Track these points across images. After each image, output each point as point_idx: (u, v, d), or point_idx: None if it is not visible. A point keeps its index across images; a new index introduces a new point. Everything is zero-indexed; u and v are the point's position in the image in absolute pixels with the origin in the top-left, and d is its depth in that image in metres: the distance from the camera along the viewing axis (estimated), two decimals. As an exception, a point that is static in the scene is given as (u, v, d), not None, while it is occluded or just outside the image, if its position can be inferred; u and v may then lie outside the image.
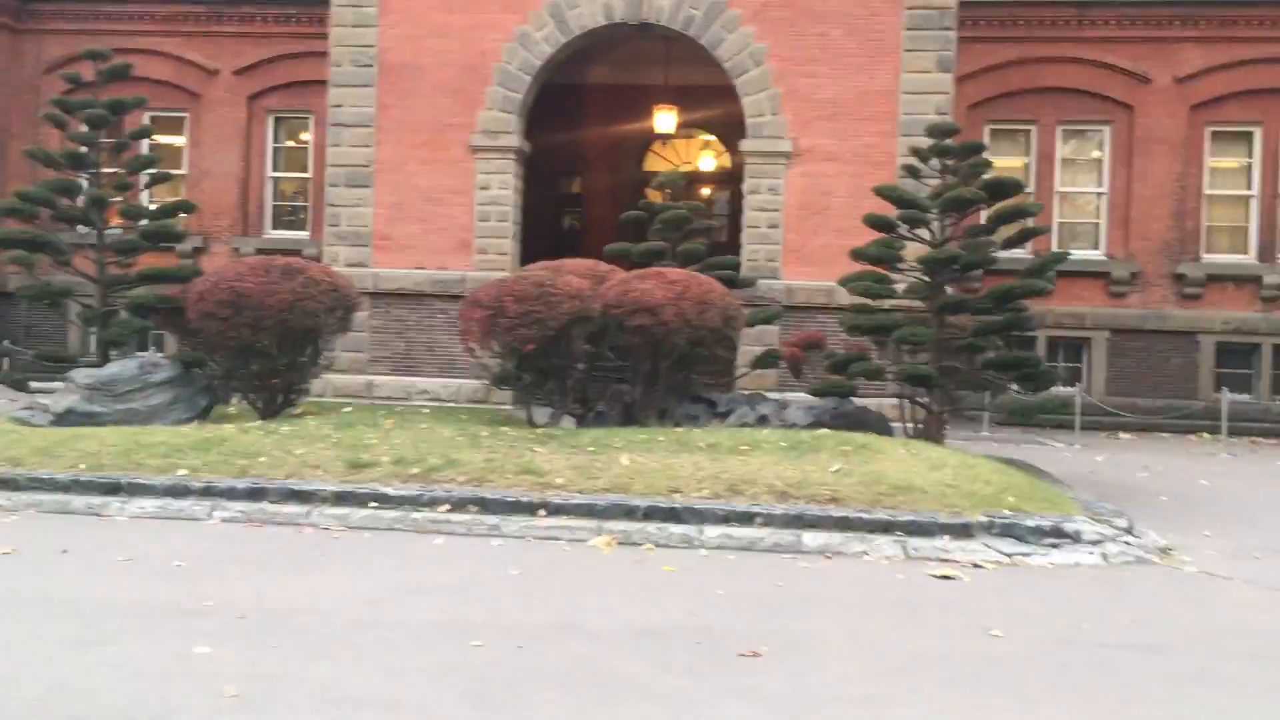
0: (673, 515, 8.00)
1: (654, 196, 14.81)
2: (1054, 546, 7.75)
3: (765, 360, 13.04)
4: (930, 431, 11.55)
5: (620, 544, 7.68)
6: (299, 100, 19.73)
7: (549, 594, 6.31)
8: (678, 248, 13.27)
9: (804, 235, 16.08)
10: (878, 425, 11.18)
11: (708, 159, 21.94)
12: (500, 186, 16.59)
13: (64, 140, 13.52)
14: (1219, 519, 9.60)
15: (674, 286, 10.72)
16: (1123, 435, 17.29)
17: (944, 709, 4.58)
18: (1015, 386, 11.80)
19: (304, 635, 5.33)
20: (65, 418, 10.49)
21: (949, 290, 11.99)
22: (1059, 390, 17.10)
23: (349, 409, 12.79)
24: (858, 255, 11.92)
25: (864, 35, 15.97)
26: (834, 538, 7.76)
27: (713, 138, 21.68)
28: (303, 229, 19.90)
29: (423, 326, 16.70)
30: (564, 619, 5.77)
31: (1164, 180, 18.60)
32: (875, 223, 12.01)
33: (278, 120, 20.23)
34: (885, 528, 7.84)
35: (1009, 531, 7.85)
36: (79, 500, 8.46)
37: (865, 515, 7.92)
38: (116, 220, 13.30)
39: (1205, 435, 17.32)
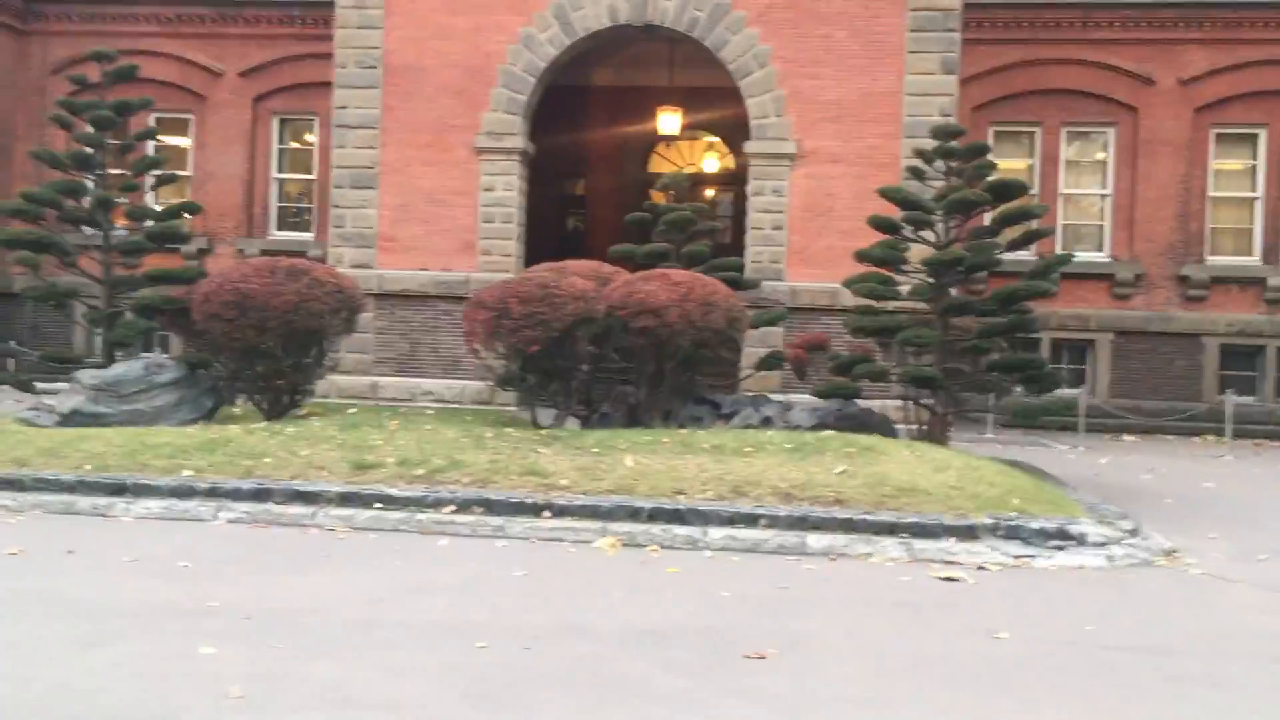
0: (677, 517, 8.00)
1: (658, 198, 14.82)
2: (1059, 549, 7.74)
3: (769, 362, 13.04)
4: (934, 433, 11.54)
5: (625, 545, 7.68)
6: (304, 102, 19.78)
7: (553, 595, 6.32)
8: (682, 249, 13.27)
9: (808, 237, 16.09)
10: (882, 427, 11.18)
11: (712, 161, 21.95)
12: (504, 188, 16.61)
13: (70, 141, 13.55)
14: (1224, 521, 9.59)
15: (678, 288, 10.72)
16: (1127, 437, 17.28)
17: (948, 710, 4.58)
18: (1019, 388, 11.79)
19: (308, 636, 5.34)
20: (71, 418, 10.53)
21: (953, 292, 11.98)
22: (1063, 392, 17.12)
23: (354, 410, 12.81)
24: (862, 257, 11.93)
25: (868, 37, 15.98)
26: (838, 539, 7.76)
27: (717, 139, 21.68)
28: (307, 230, 19.95)
29: (427, 328, 16.72)
30: (568, 620, 5.77)
31: (1168, 182, 18.60)
32: (880, 224, 12.01)
33: (282, 122, 20.28)
34: (890, 530, 7.83)
35: (1014, 534, 7.85)
36: (84, 501, 8.47)
37: (870, 517, 7.91)
38: (122, 221, 13.33)
39: (1210, 438, 17.30)
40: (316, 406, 12.61)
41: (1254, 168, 18.84)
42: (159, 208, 13.68)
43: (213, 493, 8.48)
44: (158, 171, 13.77)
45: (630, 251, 13.42)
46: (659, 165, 21.79)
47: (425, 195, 16.73)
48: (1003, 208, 11.81)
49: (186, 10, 19.90)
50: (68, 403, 10.71)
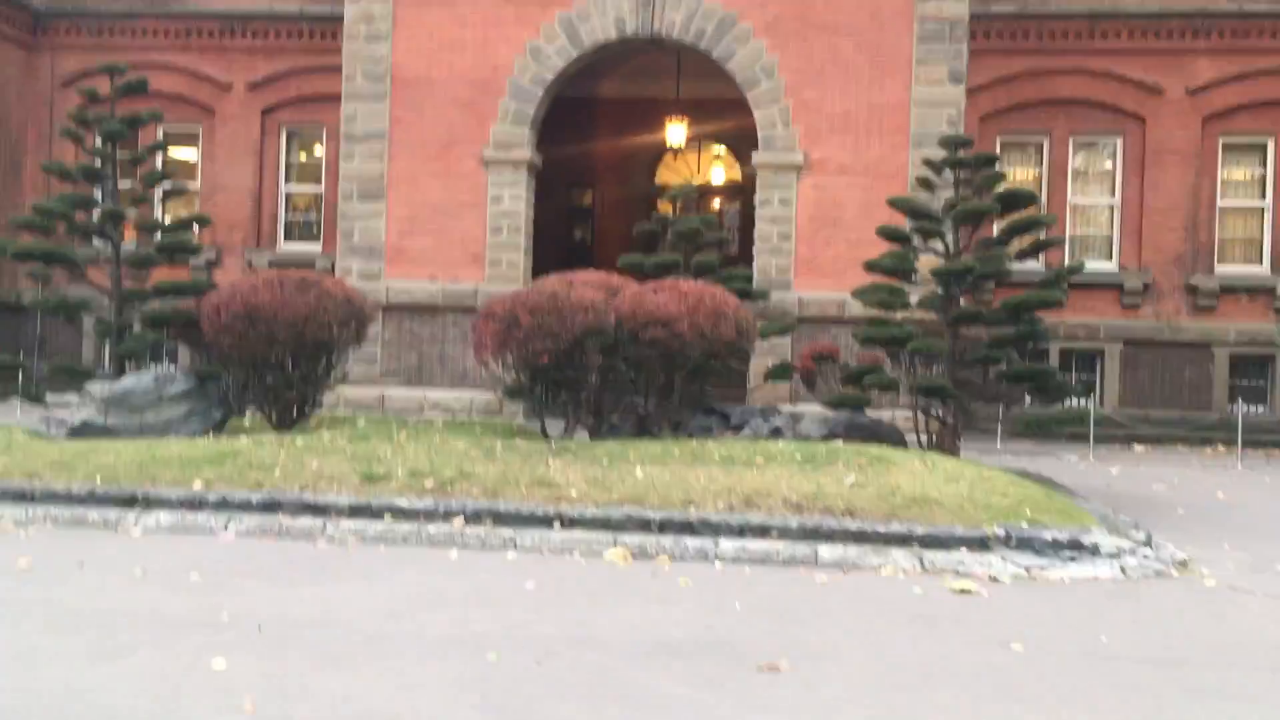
0: (688, 528, 7.98)
1: (665, 209, 14.84)
2: (1072, 559, 7.70)
3: (778, 372, 13.03)
4: (944, 444, 11.51)
5: (636, 557, 7.66)
6: (312, 114, 19.81)
7: (565, 607, 6.30)
8: (691, 260, 13.27)
9: (816, 247, 16.08)
10: (892, 437, 11.16)
11: (719, 171, 21.97)
12: (512, 199, 16.64)
13: (79, 154, 13.59)
14: (1237, 532, 9.54)
15: (688, 299, 10.71)
16: (1137, 447, 17.22)
17: (964, 723, 4.55)
18: (1029, 398, 11.76)
19: (320, 648, 5.32)
20: (81, 431, 10.55)
21: (962, 302, 11.97)
22: (1072, 403, 17.08)
23: (362, 421, 12.81)
24: (872, 267, 11.92)
25: (875, 48, 16.00)
26: (850, 550, 7.73)
27: (724, 150, 21.71)
28: (315, 242, 19.97)
29: (435, 339, 16.74)
30: (580, 632, 5.75)
31: (1177, 192, 18.56)
32: (889, 234, 12.01)
33: (291, 134, 20.32)
34: (901, 540, 7.81)
35: (1026, 544, 7.81)
36: (95, 513, 8.47)
37: (881, 528, 7.88)
38: (132, 234, 13.36)
39: (1220, 447, 17.24)
40: (325, 418, 12.61)
41: (1263, 177, 18.81)
42: (168, 220, 13.72)
43: (223, 505, 8.48)
44: (167, 184, 13.81)
45: (639, 262, 13.42)
46: (666, 176, 21.82)
47: (433, 207, 16.76)
48: (1011, 218, 11.80)
49: (195, 23, 19.97)
50: (78, 415, 10.74)
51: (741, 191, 20.62)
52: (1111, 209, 18.98)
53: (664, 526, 7.99)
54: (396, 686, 4.78)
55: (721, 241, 14.94)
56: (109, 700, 4.50)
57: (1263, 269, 18.64)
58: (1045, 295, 11.33)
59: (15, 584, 6.50)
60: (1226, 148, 18.76)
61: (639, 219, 14.70)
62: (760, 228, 16.30)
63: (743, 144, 17.94)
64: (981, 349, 11.44)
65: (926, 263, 11.84)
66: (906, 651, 5.58)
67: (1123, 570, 7.61)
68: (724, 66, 16.26)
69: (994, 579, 7.32)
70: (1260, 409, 18.20)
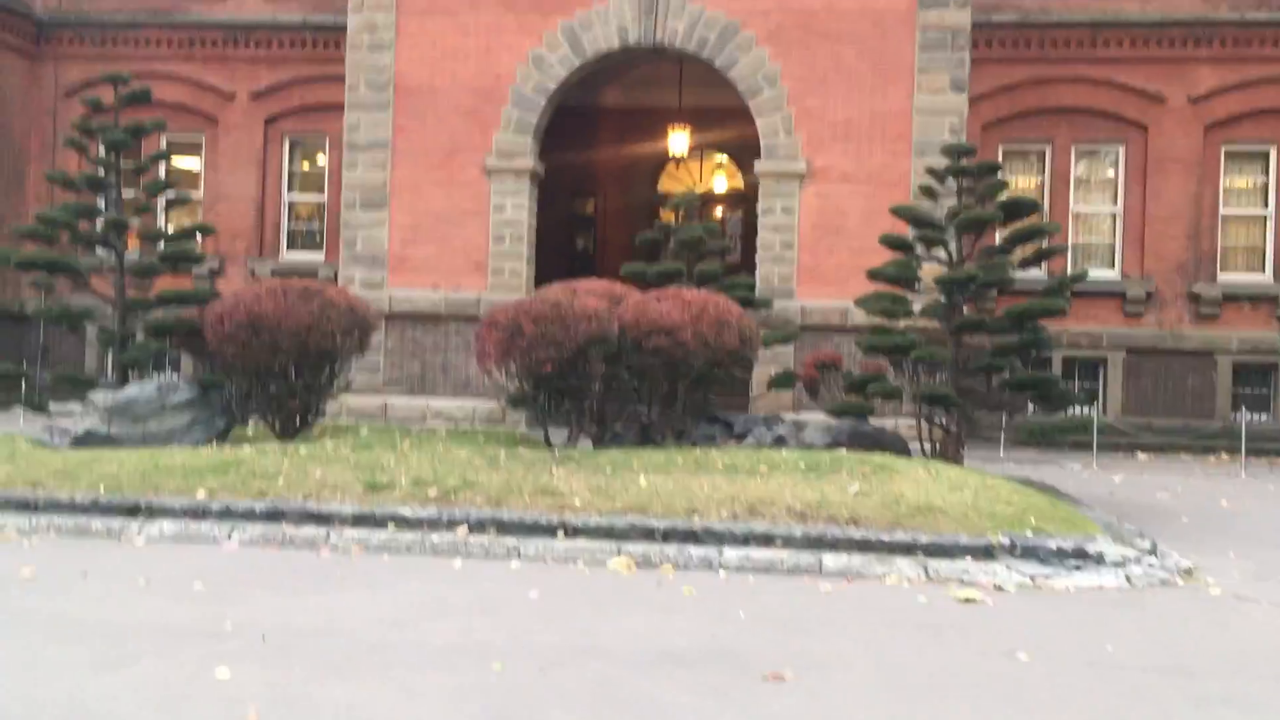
0: (692, 537, 7.97)
1: (668, 217, 14.84)
2: (1077, 568, 7.69)
3: (782, 381, 13.02)
4: (948, 452, 11.50)
5: (639, 566, 7.65)
6: (315, 123, 19.85)
7: (569, 616, 6.29)
8: (694, 268, 13.28)
9: (818, 256, 16.09)
10: (895, 446, 11.14)
11: (721, 180, 21.99)
12: (515, 208, 16.65)
13: (83, 163, 13.62)
14: (1242, 540, 9.52)
15: (691, 307, 10.71)
16: (1140, 456, 17.19)
17: (971, 732, 4.54)
18: (1032, 406, 11.75)
19: (324, 657, 5.31)
20: (84, 440, 10.55)
21: (965, 310, 11.96)
22: (1075, 411, 17.06)
23: (365, 430, 12.81)
24: (875, 275, 11.92)
25: (877, 56, 16.01)
26: (854, 559, 7.72)
27: (726, 159, 21.73)
28: (318, 251, 19.99)
29: (438, 348, 16.74)
30: (584, 641, 5.74)
31: (1179, 200, 18.56)
32: (892, 243, 12.01)
33: (293, 143, 20.35)
34: (906, 549, 7.79)
35: (1031, 553, 7.80)
36: (98, 522, 8.46)
37: (885, 537, 7.87)
38: (135, 243, 13.37)
39: (1223, 455, 17.21)
40: (328, 427, 12.62)
41: (1265, 185, 18.80)
42: (171, 229, 13.74)
43: (226, 514, 8.47)
44: (170, 193, 13.83)
45: (642, 271, 13.42)
46: (669, 185, 21.84)
47: (436, 215, 16.78)
48: (1014, 226, 11.80)
49: (198, 33, 20.02)
50: (81, 424, 10.74)
51: (744, 200, 20.64)
52: (1114, 217, 18.98)
53: (668, 535, 7.98)
54: (400, 696, 4.77)
55: (724, 250, 14.94)
56: (112, 710, 4.49)
57: (1265, 277, 18.62)
58: (1048, 303, 11.33)
59: (19, 593, 6.49)
60: (1228, 156, 18.76)
61: (642, 227, 14.70)
62: (763, 236, 16.30)
63: (745, 152, 17.96)
64: (985, 357, 11.43)
65: (929, 271, 11.84)
66: (911, 661, 5.57)
67: (1128, 579, 7.59)
68: (726, 75, 16.29)
69: (999, 588, 7.30)
70: (1263, 417, 18.19)
